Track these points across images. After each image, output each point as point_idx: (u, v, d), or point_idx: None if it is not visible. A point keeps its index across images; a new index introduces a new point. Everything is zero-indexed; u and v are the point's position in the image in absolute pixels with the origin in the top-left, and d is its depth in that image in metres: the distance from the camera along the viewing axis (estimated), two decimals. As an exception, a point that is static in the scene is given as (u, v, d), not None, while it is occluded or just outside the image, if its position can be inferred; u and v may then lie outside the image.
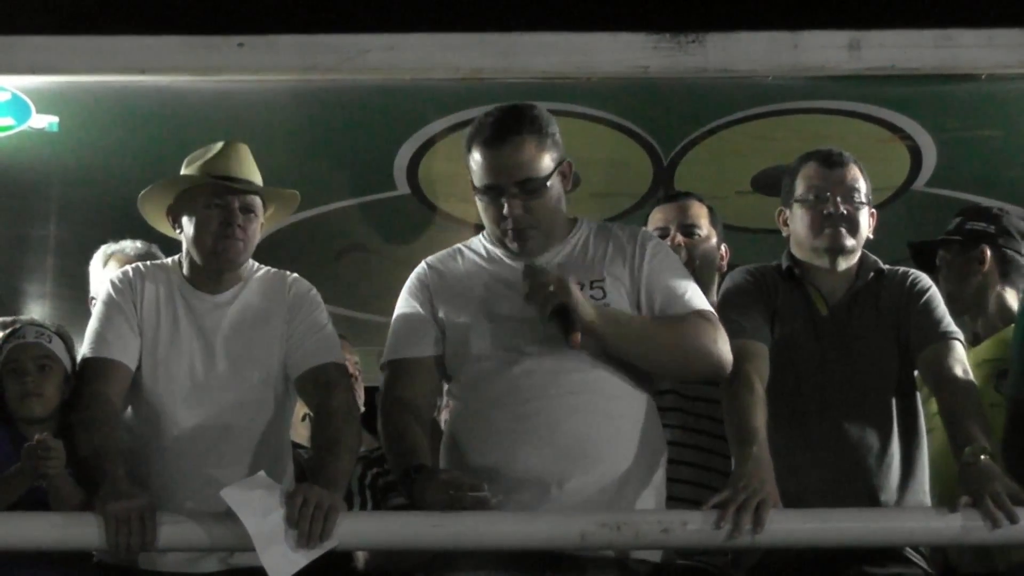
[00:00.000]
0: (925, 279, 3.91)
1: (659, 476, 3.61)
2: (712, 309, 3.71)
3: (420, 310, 3.67)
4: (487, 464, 3.49)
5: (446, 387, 3.77)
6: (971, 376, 3.73)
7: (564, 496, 3.46)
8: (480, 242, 3.76)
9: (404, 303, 3.72)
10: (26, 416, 3.69)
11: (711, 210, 4.36)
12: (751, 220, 5.64)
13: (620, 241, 3.70)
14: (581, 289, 3.55)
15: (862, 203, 3.88)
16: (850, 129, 5.25)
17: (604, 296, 3.60)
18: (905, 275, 3.91)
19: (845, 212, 3.85)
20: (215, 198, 3.71)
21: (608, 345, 3.54)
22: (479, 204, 3.67)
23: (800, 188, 3.92)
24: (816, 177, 3.90)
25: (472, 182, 3.67)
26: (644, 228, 3.77)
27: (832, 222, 3.85)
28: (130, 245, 4.51)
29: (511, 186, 3.59)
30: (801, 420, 3.77)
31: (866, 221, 3.90)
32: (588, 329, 3.47)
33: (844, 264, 3.89)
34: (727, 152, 5.43)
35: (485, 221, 3.69)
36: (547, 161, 3.61)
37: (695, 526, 3.39)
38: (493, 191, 3.61)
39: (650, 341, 3.57)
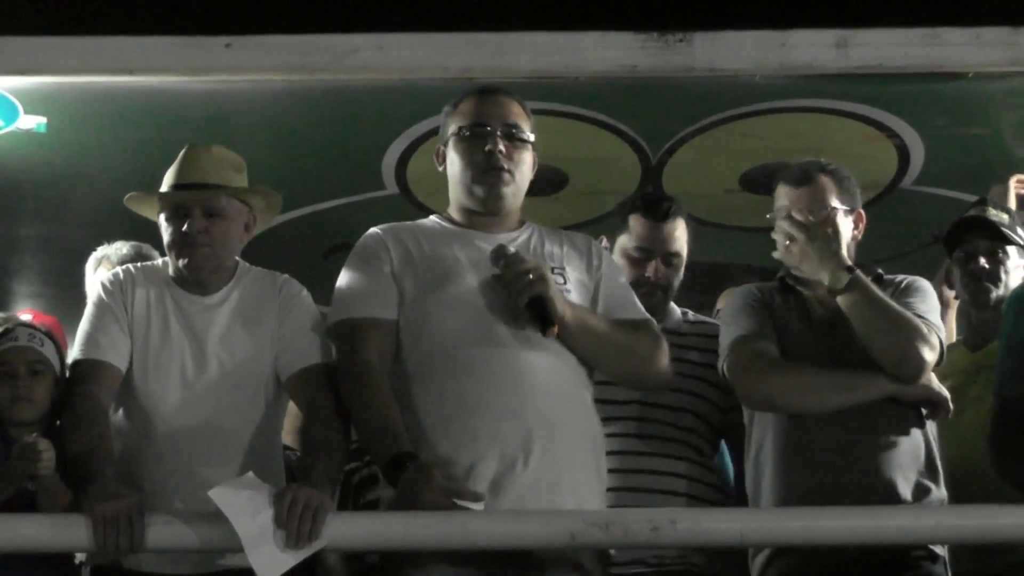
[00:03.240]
0: (921, 281, 3.94)
1: (603, 467, 3.64)
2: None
3: (383, 270, 3.66)
4: (445, 455, 3.47)
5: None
6: (925, 347, 3.74)
7: (529, 473, 3.46)
8: (434, 220, 3.79)
9: (362, 262, 3.69)
10: (16, 420, 3.70)
11: (688, 222, 4.31)
12: (740, 219, 5.66)
13: (574, 241, 3.79)
14: None
15: (833, 212, 3.91)
16: (838, 127, 5.27)
17: (565, 283, 3.64)
18: (903, 280, 3.95)
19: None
20: (174, 209, 3.74)
21: (573, 342, 3.58)
22: (455, 151, 3.69)
23: (774, 209, 3.99)
24: (783, 197, 3.97)
25: (448, 134, 3.71)
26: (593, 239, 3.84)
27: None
28: (116, 249, 4.52)
29: (499, 127, 3.66)
30: (797, 420, 3.81)
31: (841, 228, 3.92)
32: (560, 325, 3.52)
33: None
34: (715, 151, 5.44)
35: (458, 167, 3.70)
36: (530, 132, 3.72)
37: (684, 525, 3.40)
38: (480, 128, 3.67)
39: (610, 344, 3.63)
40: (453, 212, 3.78)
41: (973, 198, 4.55)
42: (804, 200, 3.92)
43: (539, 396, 3.50)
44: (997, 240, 4.27)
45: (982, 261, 4.26)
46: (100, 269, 4.47)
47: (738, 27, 4.84)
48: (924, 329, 3.73)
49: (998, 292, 4.24)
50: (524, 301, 3.50)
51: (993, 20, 4.83)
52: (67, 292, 5.51)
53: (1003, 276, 4.26)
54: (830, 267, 3.77)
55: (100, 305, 3.76)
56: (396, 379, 3.59)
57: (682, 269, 4.27)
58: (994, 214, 4.31)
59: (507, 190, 3.68)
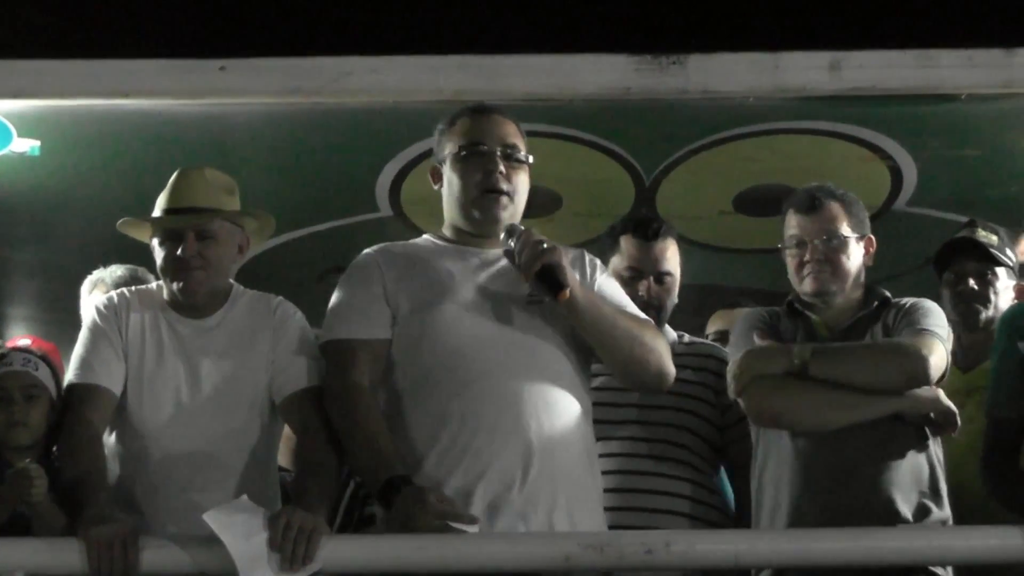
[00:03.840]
0: (926, 301, 3.96)
1: (600, 484, 3.64)
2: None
3: (375, 291, 3.65)
4: (441, 473, 3.47)
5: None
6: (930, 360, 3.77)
7: (526, 492, 3.45)
8: (427, 239, 3.79)
9: (355, 282, 3.69)
10: (12, 445, 3.70)
11: (677, 240, 4.33)
12: (733, 240, 5.66)
13: (567, 254, 3.74)
14: None
15: (844, 241, 3.93)
16: (831, 149, 5.27)
17: None
18: (908, 302, 3.97)
19: (823, 257, 3.92)
20: (167, 233, 3.74)
21: (581, 320, 3.57)
22: (453, 171, 3.69)
23: (784, 236, 4.02)
24: (794, 225, 3.99)
25: (445, 154, 3.71)
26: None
27: (811, 268, 3.93)
28: (111, 272, 4.53)
29: (498, 147, 3.67)
30: (800, 440, 3.82)
31: (852, 256, 3.95)
32: (570, 292, 3.51)
33: (837, 302, 3.95)
34: (709, 173, 5.44)
35: (457, 188, 3.69)
36: (525, 153, 3.71)
37: (678, 547, 3.39)
38: (479, 148, 3.67)
39: (618, 327, 3.61)
40: (446, 231, 3.78)
41: (966, 219, 4.55)
42: (814, 228, 3.93)
43: (537, 414, 3.50)
44: (986, 261, 4.28)
45: (971, 283, 4.27)
46: (95, 292, 4.47)
47: (732, 49, 4.85)
48: (906, 340, 3.75)
49: (988, 313, 4.26)
50: (536, 268, 3.50)
51: (985, 42, 4.85)
52: (61, 316, 5.50)
53: (992, 297, 4.27)
54: (790, 360, 3.79)
55: (94, 329, 3.75)
56: (387, 398, 3.59)
57: (675, 289, 4.28)
58: (983, 235, 4.32)
59: (504, 214, 3.69)
